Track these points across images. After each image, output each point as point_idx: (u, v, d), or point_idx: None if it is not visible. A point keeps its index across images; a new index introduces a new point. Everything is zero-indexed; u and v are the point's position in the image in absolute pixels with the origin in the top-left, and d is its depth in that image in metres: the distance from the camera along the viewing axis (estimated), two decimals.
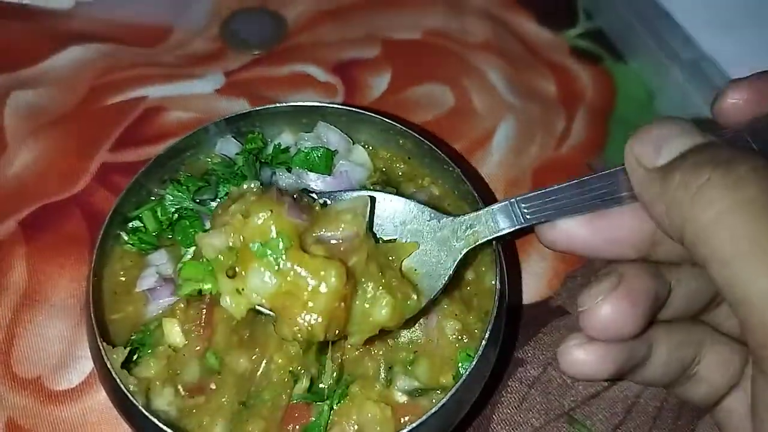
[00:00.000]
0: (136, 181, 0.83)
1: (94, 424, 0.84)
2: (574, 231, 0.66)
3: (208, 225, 0.83)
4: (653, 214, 0.59)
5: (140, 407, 0.67)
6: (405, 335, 0.80)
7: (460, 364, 0.77)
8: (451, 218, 0.74)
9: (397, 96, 1.16)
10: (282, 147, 0.89)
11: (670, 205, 0.56)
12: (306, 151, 0.88)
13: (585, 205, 0.65)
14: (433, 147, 0.86)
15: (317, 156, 0.88)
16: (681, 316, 0.68)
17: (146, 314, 0.81)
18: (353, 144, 0.92)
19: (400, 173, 0.93)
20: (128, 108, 1.12)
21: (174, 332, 0.78)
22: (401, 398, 0.75)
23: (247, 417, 0.75)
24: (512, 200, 0.69)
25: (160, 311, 0.80)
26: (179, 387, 0.76)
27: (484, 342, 0.73)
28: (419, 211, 0.76)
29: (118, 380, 0.69)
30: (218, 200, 0.84)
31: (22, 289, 0.94)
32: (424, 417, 0.68)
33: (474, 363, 0.71)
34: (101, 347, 0.71)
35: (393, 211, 0.77)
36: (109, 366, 0.69)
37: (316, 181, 0.87)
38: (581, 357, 0.65)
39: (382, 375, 0.77)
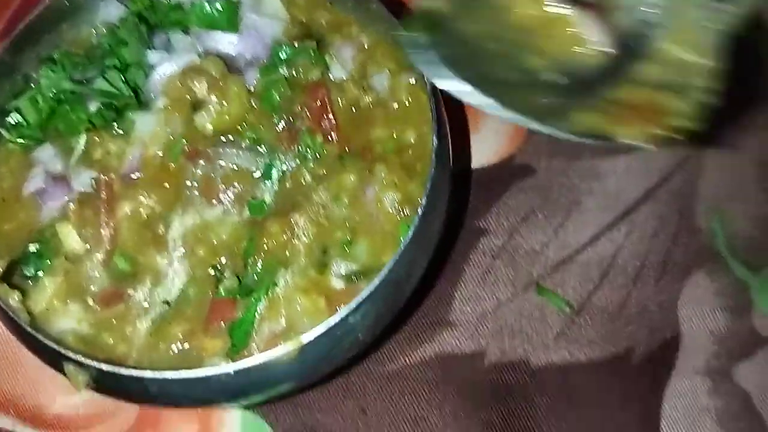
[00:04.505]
0: None
1: (17, 347, 0.73)
2: None
3: (92, 108, 0.70)
4: None
5: (23, 324, 0.58)
6: (339, 211, 0.69)
7: (402, 239, 0.66)
8: None
9: None
10: (173, 3, 0.74)
11: None
12: (201, 4, 0.73)
13: None
14: None
15: (217, 10, 0.73)
16: None
17: (40, 221, 0.70)
18: None
19: (323, 22, 0.78)
20: None
21: (71, 237, 0.67)
22: (338, 284, 0.66)
23: (170, 318, 0.66)
24: None
25: (55, 215, 0.69)
26: (88, 300, 0.66)
27: (421, 210, 0.61)
28: None
29: None
30: (103, 77, 0.70)
31: None
32: (354, 302, 0.58)
33: (411, 233, 0.61)
34: None
35: None
36: None
37: (220, 42, 0.74)
38: None
39: (315, 260, 0.67)
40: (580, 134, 0.56)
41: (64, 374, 0.60)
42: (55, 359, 0.59)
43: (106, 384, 0.59)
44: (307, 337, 0.57)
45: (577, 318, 0.76)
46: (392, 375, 0.74)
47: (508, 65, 0.60)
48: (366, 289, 0.59)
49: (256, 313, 0.64)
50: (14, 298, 0.61)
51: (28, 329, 0.58)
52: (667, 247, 0.79)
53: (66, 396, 0.74)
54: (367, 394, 0.74)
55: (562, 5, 0.61)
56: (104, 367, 0.57)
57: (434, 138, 0.64)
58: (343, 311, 0.58)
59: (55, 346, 0.57)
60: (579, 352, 0.75)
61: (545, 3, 0.61)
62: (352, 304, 0.58)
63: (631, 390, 0.74)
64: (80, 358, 0.57)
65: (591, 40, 0.61)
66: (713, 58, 0.57)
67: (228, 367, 0.57)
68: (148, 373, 0.57)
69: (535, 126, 0.56)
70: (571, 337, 0.75)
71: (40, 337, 0.58)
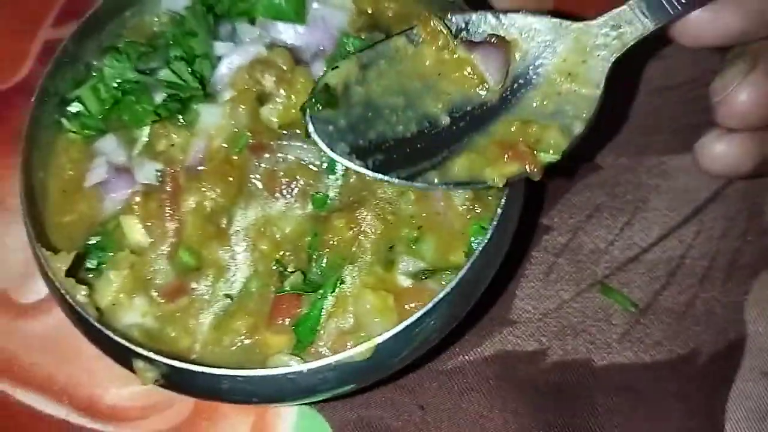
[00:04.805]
0: (64, 50, 0.69)
1: (72, 337, 0.75)
2: (724, 14, 0.56)
3: (158, 99, 0.69)
4: None
5: (91, 320, 0.57)
6: (405, 208, 0.67)
7: (472, 239, 0.65)
8: (584, 23, 0.61)
9: None
10: None
11: None
12: None
13: None
14: None
15: (285, 1, 0.71)
16: None
17: (102, 213, 0.69)
18: None
19: (390, 14, 0.77)
20: None
21: (135, 230, 0.66)
22: (405, 282, 0.64)
23: (233, 312, 0.66)
24: None
25: (118, 208, 0.69)
26: (153, 293, 0.66)
27: (499, 210, 0.60)
28: (531, 27, 0.62)
29: (62, 291, 0.58)
30: (170, 68, 0.69)
31: None
32: (430, 304, 0.57)
33: (489, 236, 0.59)
34: (40, 254, 0.60)
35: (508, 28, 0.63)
36: (51, 276, 0.59)
37: (286, 33, 0.72)
38: (721, 149, 0.59)
39: (382, 257, 0.66)
40: (456, 182, 0.61)
41: (131, 369, 0.60)
42: (122, 355, 0.59)
43: (175, 380, 0.59)
44: (383, 337, 0.56)
45: (642, 318, 0.74)
46: (451, 372, 0.73)
47: (408, 117, 0.63)
48: (443, 290, 0.58)
49: (322, 310, 0.64)
50: (81, 294, 0.60)
51: (97, 325, 0.58)
52: (735, 248, 0.77)
53: (121, 386, 0.74)
54: (426, 391, 0.73)
55: (467, 47, 0.63)
56: (176, 363, 0.56)
57: None
58: (419, 312, 0.57)
59: (125, 343, 0.57)
60: (644, 353, 0.73)
61: (451, 48, 0.63)
62: (429, 305, 0.57)
63: (696, 392, 0.72)
64: (151, 354, 0.56)
65: (490, 77, 0.63)
66: (598, 87, 0.60)
67: (302, 366, 0.56)
68: (220, 371, 0.56)
69: (417, 186, 0.62)
70: (636, 338, 0.74)
71: (109, 333, 0.57)
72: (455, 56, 0.64)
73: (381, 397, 0.73)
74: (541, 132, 0.61)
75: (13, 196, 0.82)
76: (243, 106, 0.68)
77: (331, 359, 0.56)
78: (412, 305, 0.63)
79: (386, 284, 0.64)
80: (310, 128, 0.61)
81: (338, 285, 0.64)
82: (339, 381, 0.58)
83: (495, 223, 0.59)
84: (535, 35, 0.63)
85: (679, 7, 0.57)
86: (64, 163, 0.71)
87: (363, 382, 0.61)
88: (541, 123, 0.61)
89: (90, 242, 0.67)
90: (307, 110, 0.61)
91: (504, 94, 0.64)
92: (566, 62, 0.62)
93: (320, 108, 0.61)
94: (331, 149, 0.61)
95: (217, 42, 0.71)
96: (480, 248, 0.59)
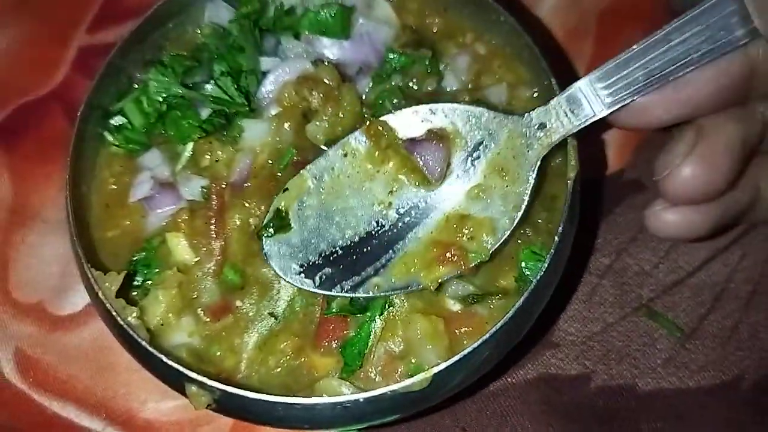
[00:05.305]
0: (110, 64, 0.68)
1: (108, 350, 0.75)
2: (652, 106, 0.56)
3: (204, 114, 0.68)
4: None
5: (144, 343, 0.56)
6: None
7: (523, 264, 0.64)
8: (513, 117, 0.62)
9: None
10: (285, 7, 0.72)
11: None
12: (315, 10, 0.71)
13: (675, 67, 0.55)
14: None
15: (330, 15, 0.71)
16: None
17: (146, 228, 0.68)
18: None
19: (434, 30, 0.76)
20: None
21: (181, 248, 0.66)
22: (454, 306, 0.64)
23: (277, 332, 0.65)
24: (585, 81, 0.58)
25: (162, 224, 0.68)
26: (199, 312, 0.65)
27: (557, 238, 0.59)
28: (470, 116, 0.64)
29: (114, 313, 0.57)
30: (213, 82, 0.68)
31: (9, 205, 0.82)
32: (487, 334, 0.56)
33: (547, 265, 0.58)
34: (90, 276, 0.59)
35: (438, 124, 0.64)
36: (101, 297, 0.58)
37: (331, 48, 0.72)
38: (671, 218, 0.60)
39: None
40: (395, 288, 0.63)
41: (182, 392, 0.59)
42: (174, 378, 0.58)
43: (228, 405, 0.58)
44: (440, 367, 0.55)
45: (687, 344, 0.73)
46: (494, 394, 0.72)
47: (359, 219, 0.65)
48: (500, 320, 0.57)
49: (371, 333, 0.63)
50: (133, 316, 0.59)
51: (150, 349, 0.57)
52: None
53: (159, 401, 0.73)
54: (467, 413, 0.72)
55: (409, 146, 0.65)
56: (230, 389, 0.55)
57: (570, 183, 0.62)
58: (476, 342, 0.56)
59: (179, 367, 0.56)
60: (688, 379, 0.72)
61: (395, 147, 0.65)
62: (486, 336, 0.56)
63: (740, 418, 0.71)
64: (205, 380, 0.56)
65: (430, 174, 0.64)
66: (528, 183, 0.62)
67: (358, 395, 0.55)
68: (276, 398, 0.55)
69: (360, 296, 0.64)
70: (681, 363, 0.73)
71: (162, 357, 0.56)
72: (399, 154, 0.65)
73: (422, 418, 0.72)
74: (476, 229, 0.63)
75: (50, 208, 0.82)
76: (289, 123, 0.68)
77: (387, 389, 0.55)
78: (462, 330, 0.62)
79: (435, 308, 0.64)
80: (265, 256, 0.63)
81: (386, 308, 0.63)
82: (392, 409, 0.58)
83: (553, 251, 0.58)
84: (475, 126, 0.64)
85: (603, 108, 0.57)
86: (107, 177, 0.70)
87: (414, 410, 0.60)
88: (477, 218, 0.63)
89: (134, 258, 0.66)
90: (262, 237, 0.64)
91: (445, 186, 0.65)
92: (500, 156, 0.64)
93: (272, 234, 0.64)
94: (284, 272, 0.63)
95: (263, 57, 0.70)
96: (537, 278, 0.58)
